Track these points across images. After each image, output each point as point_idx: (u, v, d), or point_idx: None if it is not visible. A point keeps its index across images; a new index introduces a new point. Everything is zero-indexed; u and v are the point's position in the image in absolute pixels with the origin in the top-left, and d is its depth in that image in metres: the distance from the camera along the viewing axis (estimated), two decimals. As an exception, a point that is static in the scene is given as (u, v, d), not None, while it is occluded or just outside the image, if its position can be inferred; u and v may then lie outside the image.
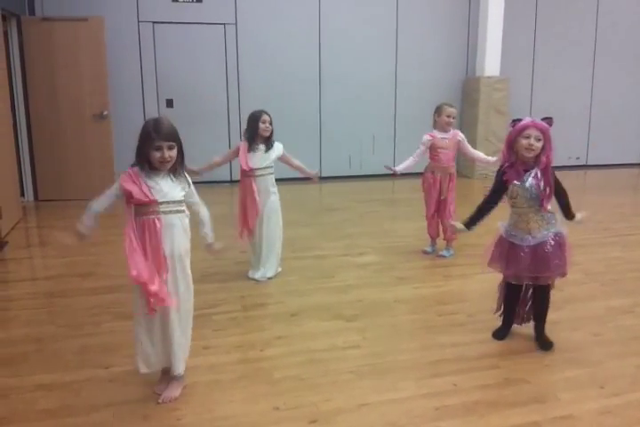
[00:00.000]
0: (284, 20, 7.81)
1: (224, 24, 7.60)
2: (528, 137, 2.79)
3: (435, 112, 4.58)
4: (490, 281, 4.11)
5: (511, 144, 2.86)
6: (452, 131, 4.58)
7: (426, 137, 4.57)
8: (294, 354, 2.98)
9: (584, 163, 9.46)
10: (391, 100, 8.42)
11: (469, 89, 8.49)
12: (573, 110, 9.15)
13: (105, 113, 6.76)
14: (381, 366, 2.87)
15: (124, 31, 7.26)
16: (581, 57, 9.14)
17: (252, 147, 3.95)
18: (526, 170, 2.86)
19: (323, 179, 8.12)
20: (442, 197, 4.62)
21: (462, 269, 4.36)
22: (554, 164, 2.88)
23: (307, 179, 4.35)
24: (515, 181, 2.87)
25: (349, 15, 8.02)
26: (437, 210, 4.68)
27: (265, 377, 2.74)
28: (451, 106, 4.56)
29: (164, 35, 7.42)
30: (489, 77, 8.23)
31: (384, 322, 3.41)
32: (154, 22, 7.36)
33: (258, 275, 4.14)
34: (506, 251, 2.98)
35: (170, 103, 7.55)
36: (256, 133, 3.94)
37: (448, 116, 4.49)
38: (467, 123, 8.47)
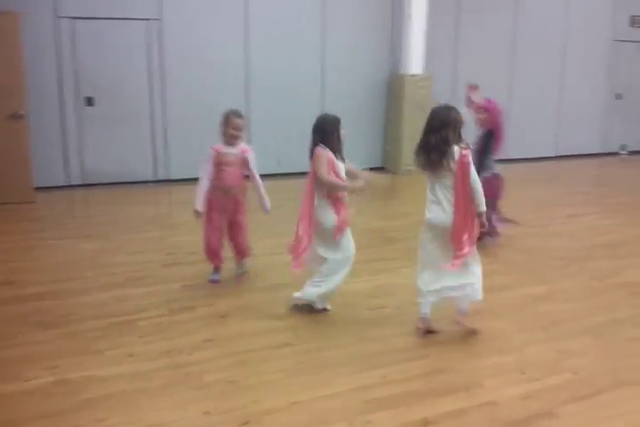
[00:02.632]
0: (211, 16, 7.65)
1: (148, 19, 7.39)
2: None
3: (222, 122, 3.84)
4: (413, 274, 4.22)
5: None
6: (240, 145, 3.92)
7: (210, 151, 3.84)
8: (224, 356, 2.95)
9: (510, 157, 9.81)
10: (317, 97, 8.44)
11: (395, 87, 8.62)
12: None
13: (21, 112, 6.44)
14: (313, 362, 2.89)
15: (41, 27, 6.91)
16: (502, 53, 9.48)
17: (337, 158, 3.40)
18: None
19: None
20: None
21: (388, 264, 4.44)
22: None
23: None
24: None
25: (277, 12, 7.96)
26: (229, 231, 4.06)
27: (194, 382, 2.69)
28: (239, 116, 3.83)
29: (84, 31, 7.12)
30: (413, 75, 8.38)
31: (315, 319, 3.43)
32: (74, 18, 7.07)
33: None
34: None
35: (89, 101, 7.28)
36: (340, 141, 3.42)
37: (234, 129, 3.81)
38: (392, 120, 8.55)
